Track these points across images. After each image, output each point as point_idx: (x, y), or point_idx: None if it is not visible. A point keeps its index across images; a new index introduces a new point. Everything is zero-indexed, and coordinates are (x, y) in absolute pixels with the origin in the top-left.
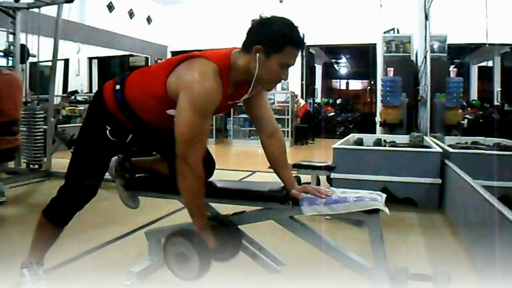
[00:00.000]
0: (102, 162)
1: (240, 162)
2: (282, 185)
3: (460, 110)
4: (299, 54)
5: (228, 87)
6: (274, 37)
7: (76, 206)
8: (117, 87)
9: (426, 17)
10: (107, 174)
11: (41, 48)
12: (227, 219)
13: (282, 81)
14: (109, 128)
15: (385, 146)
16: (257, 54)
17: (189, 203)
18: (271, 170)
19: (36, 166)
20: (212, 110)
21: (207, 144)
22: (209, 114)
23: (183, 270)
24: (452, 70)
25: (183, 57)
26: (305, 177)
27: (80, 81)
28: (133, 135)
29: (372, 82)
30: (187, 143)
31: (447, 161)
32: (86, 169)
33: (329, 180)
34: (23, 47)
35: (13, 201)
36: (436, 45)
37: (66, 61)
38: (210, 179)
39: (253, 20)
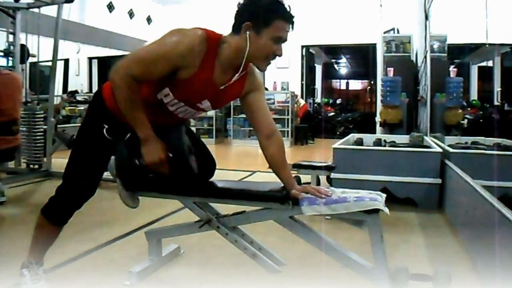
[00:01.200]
0: (100, 161)
1: (240, 162)
2: (282, 185)
3: (460, 110)
4: (292, 29)
5: (213, 60)
6: (261, 12)
7: (74, 205)
8: None
9: (426, 17)
10: (107, 174)
11: (41, 48)
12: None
13: (282, 80)
14: (106, 126)
15: (385, 146)
16: (247, 32)
17: (128, 113)
18: (271, 170)
19: (36, 166)
20: (174, 60)
21: (141, 76)
22: (168, 60)
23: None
24: (452, 70)
25: None
26: (305, 177)
27: (80, 81)
28: (131, 134)
29: (372, 82)
30: (130, 60)
31: (447, 161)
32: (84, 168)
33: (329, 180)
34: (23, 47)
35: (13, 201)
36: (436, 45)
37: (66, 61)
38: (211, 179)
39: (238, 2)
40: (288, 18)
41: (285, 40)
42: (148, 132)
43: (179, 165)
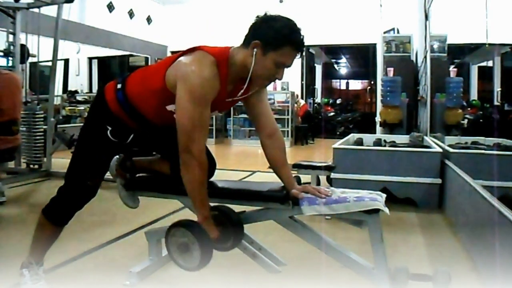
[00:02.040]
0: (102, 162)
1: (240, 162)
2: (282, 185)
3: (460, 110)
4: (299, 56)
5: (226, 81)
6: (273, 35)
7: (76, 206)
8: (119, 86)
9: (426, 17)
10: (108, 174)
11: (41, 48)
12: (228, 209)
13: (282, 80)
14: (110, 128)
15: (385, 146)
16: (254, 49)
17: (192, 193)
18: (271, 170)
19: (36, 166)
20: (210, 98)
21: (207, 135)
22: (208, 103)
23: (185, 261)
24: (452, 70)
25: (182, 52)
26: (305, 177)
27: (80, 81)
28: (134, 135)
29: (372, 82)
30: (189, 133)
31: (447, 161)
32: (86, 169)
33: (329, 180)
34: (23, 47)
35: (13, 201)
36: (436, 45)
37: (66, 61)
38: (211, 179)
39: (257, 16)
40: (299, 48)
41: (290, 66)
42: (208, 212)
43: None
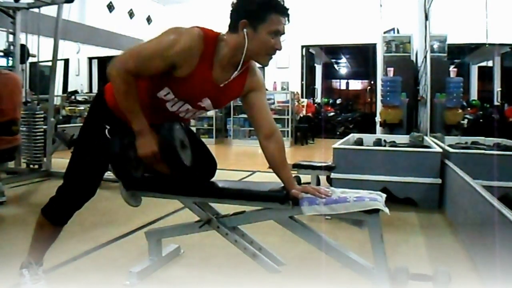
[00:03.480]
0: (101, 162)
1: (240, 162)
2: (282, 185)
3: (460, 110)
4: (288, 22)
5: (211, 60)
6: (255, 8)
7: (75, 206)
8: None
9: (426, 17)
10: (108, 174)
11: (41, 48)
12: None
13: (282, 80)
14: (108, 127)
15: (385, 146)
16: (244, 29)
17: (123, 106)
18: (271, 170)
19: (36, 166)
20: (171, 57)
21: (139, 72)
22: (164, 57)
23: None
24: (452, 70)
25: None
26: (305, 177)
27: (80, 81)
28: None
29: (372, 82)
30: (127, 55)
31: (447, 161)
32: (85, 169)
33: (329, 180)
34: (23, 47)
35: (13, 201)
36: (436, 45)
37: (66, 61)
38: (211, 179)
39: (232, 1)
40: (283, 11)
41: (283, 33)
42: (143, 125)
43: (169, 157)
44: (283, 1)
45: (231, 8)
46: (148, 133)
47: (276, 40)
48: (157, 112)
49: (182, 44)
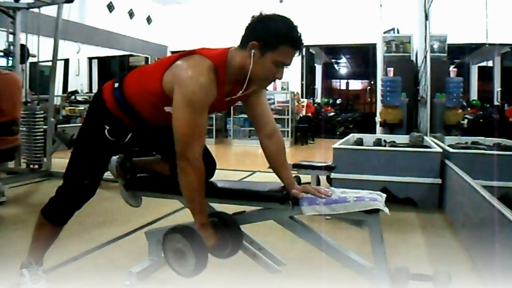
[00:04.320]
0: (100, 162)
1: (240, 162)
2: (282, 185)
3: (460, 110)
4: (298, 54)
5: (224, 84)
6: (270, 34)
7: (74, 206)
8: (116, 85)
9: (426, 17)
10: (108, 174)
11: (41, 48)
12: (228, 216)
13: (282, 80)
14: (107, 127)
15: (385, 146)
16: (252, 50)
17: (190, 199)
18: (271, 170)
19: (36, 166)
20: (207, 105)
21: (205, 141)
22: (204, 109)
23: (180, 267)
24: (452, 70)
25: (180, 54)
26: (305, 177)
27: (80, 81)
28: (132, 134)
29: (372, 82)
30: (185, 140)
31: (447, 161)
32: (85, 169)
33: (329, 180)
34: (23, 47)
35: (13, 201)
36: (436, 45)
37: (66, 61)
38: (211, 179)
39: (253, 16)
40: (297, 46)
41: (289, 65)
42: (206, 218)
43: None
44: (301, 36)
45: (249, 22)
46: (210, 225)
47: (279, 70)
48: (162, 117)
49: (206, 87)
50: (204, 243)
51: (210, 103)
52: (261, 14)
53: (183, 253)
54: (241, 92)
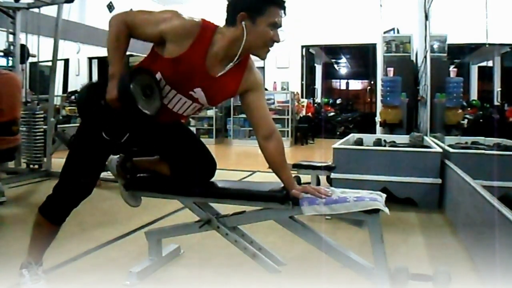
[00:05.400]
0: (96, 161)
1: (240, 162)
2: (282, 185)
3: (460, 110)
4: (284, 15)
5: (205, 46)
6: (254, 1)
7: (71, 204)
8: None
9: (426, 17)
10: (108, 174)
11: (41, 48)
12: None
13: (282, 80)
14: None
15: (385, 146)
16: (243, 22)
17: (109, 51)
18: (271, 170)
19: (36, 166)
20: (163, 29)
21: (137, 34)
22: (156, 25)
23: None
24: (452, 70)
25: None
26: (305, 177)
27: (80, 81)
28: (130, 134)
29: (372, 82)
30: (131, 12)
31: (447, 161)
32: (81, 168)
33: (329, 180)
34: (23, 47)
35: (13, 201)
36: (436, 45)
37: (66, 61)
38: (211, 180)
39: None
40: (280, 4)
41: (280, 25)
42: (116, 71)
43: (124, 103)
44: None
45: (227, 2)
46: (117, 78)
47: (274, 32)
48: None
49: (178, 21)
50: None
51: (174, 48)
52: None
53: None
54: (232, 64)
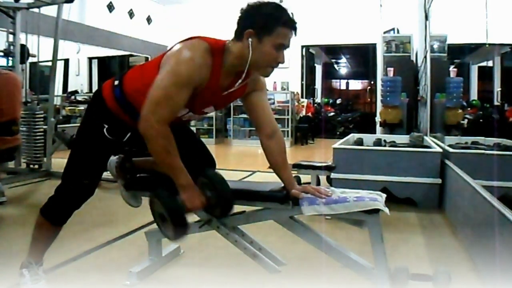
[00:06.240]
0: (99, 161)
1: (240, 162)
2: (282, 185)
3: (460, 110)
4: (294, 35)
5: (219, 71)
6: (263, 19)
7: (73, 205)
8: (116, 82)
9: (426, 17)
10: (108, 174)
11: (41, 48)
12: (213, 172)
13: (282, 80)
14: (106, 126)
15: (385, 146)
16: (249, 39)
17: (163, 164)
18: (271, 170)
19: (36, 166)
20: (193, 83)
21: (173, 118)
22: (188, 86)
23: (166, 229)
24: (452, 70)
25: (180, 41)
26: (305, 177)
27: (80, 81)
28: (131, 134)
29: (372, 82)
30: (154, 104)
31: (447, 161)
32: (83, 168)
33: (329, 180)
34: (23, 47)
35: (13, 201)
36: (436, 45)
37: (66, 61)
38: None
39: (241, 8)
40: (291, 25)
41: (288, 47)
42: (189, 180)
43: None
44: (293, 16)
45: (239, 15)
46: (194, 186)
47: (279, 53)
48: None
49: (196, 64)
50: (180, 206)
51: (200, 87)
52: (248, 4)
53: (164, 217)
54: (239, 82)
